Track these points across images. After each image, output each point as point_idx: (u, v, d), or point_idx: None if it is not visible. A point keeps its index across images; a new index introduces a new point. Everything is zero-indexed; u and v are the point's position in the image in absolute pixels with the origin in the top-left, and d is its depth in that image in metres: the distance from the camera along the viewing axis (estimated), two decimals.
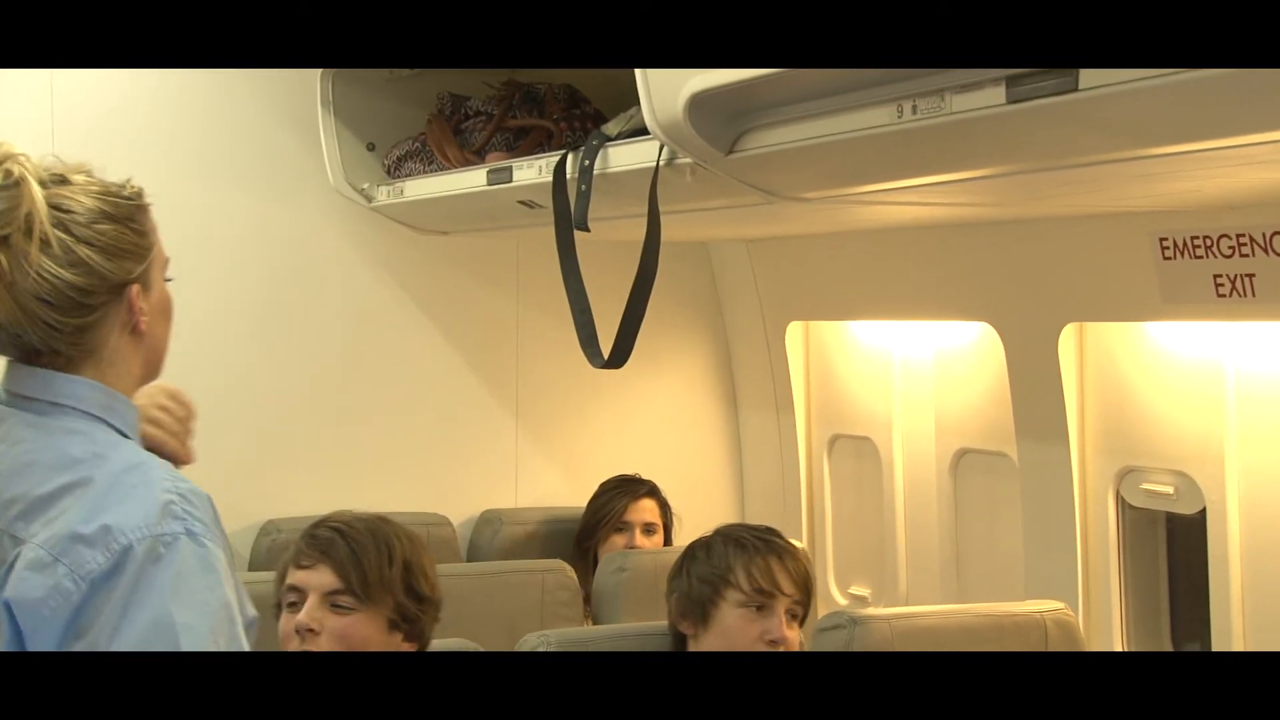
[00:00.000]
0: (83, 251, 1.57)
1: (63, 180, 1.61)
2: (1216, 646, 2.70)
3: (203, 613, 1.52)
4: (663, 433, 4.08)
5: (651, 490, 3.54)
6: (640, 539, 3.47)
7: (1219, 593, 2.69)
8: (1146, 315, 2.76)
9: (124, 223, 1.63)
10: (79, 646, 1.50)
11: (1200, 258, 2.53)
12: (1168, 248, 2.59)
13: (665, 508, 3.56)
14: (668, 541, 3.55)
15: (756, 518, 3.98)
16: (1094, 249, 2.79)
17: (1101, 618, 2.95)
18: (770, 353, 3.90)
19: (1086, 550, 2.96)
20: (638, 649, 2.33)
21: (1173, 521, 2.92)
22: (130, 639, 1.49)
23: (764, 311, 3.91)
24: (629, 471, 3.61)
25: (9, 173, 1.57)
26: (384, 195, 3.51)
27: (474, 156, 3.21)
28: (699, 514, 3.87)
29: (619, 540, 3.47)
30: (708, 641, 2.26)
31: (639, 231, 2.44)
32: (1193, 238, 2.54)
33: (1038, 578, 3.02)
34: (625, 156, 2.50)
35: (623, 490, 3.52)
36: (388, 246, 3.78)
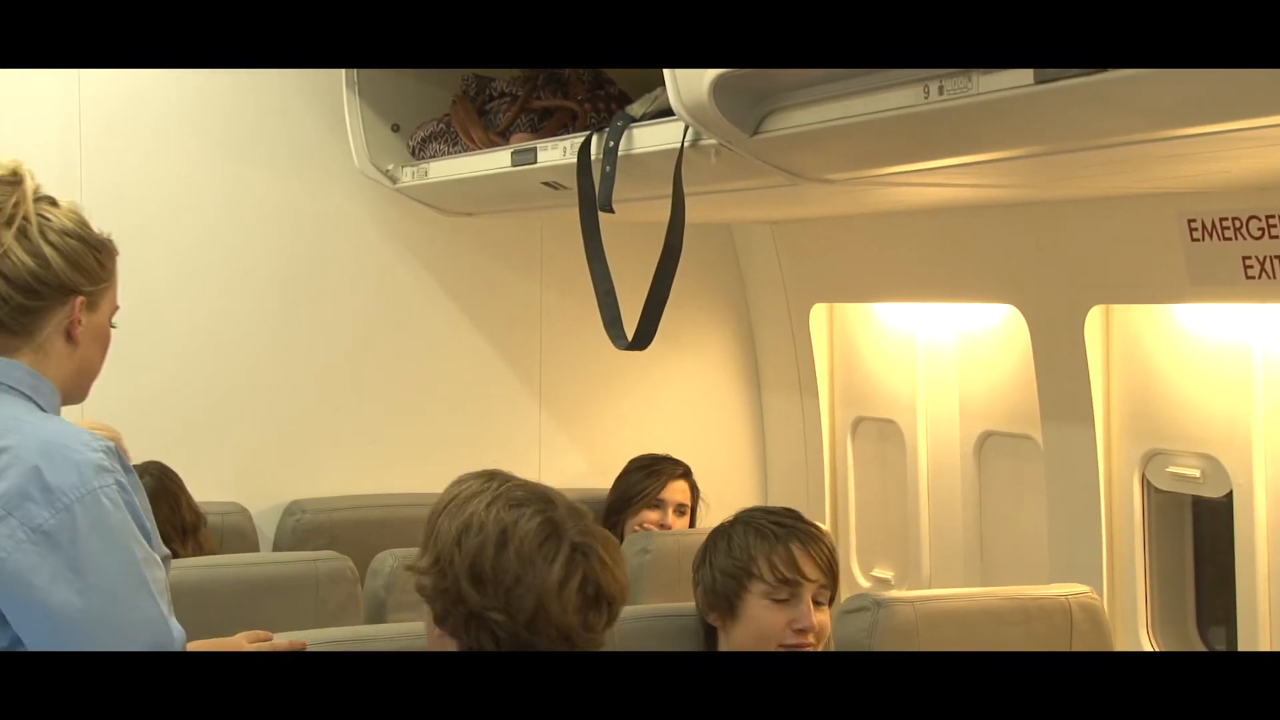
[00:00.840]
0: (48, 251, 1.90)
1: (54, 203, 1.95)
2: (1242, 631, 2.69)
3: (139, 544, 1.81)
4: (686, 415, 4.08)
5: (686, 472, 3.55)
6: (673, 518, 3.48)
7: (1245, 577, 2.67)
8: (1174, 297, 2.74)
9: (90, 248, 1.94)
10: (34, 591, 1.75)
11: (1229, 239, 2.51)
12: (1196, 229, 2.57)
13: (695, 491, 3.57)
14: (692, 524, 3.55)
15: (780, 500, 3.97)
16: (1121, 231, 2.77)
17: (1126, 602, 2.94)
18: (794, 335, 3.89)
19: (1111, 534, 2.95)
20: (662, 630, 2.33)
21: (1199, 505, 2.90)
22: (107, 579, 1.76)
23: (788, 294, 3.90)
24: (671, 456, 3.61)
25: (15, 173, 1.91)
26: (408, 176, 3.51)
27: (498, 138, 3.21)
28: (722, 497, 3.87)
29: (651, 516, 3.47)
30: (737, 633, 2.24)
31: (663, 213, 2.43)
32: (1221, 219, 2.52)
33: (1062, 561, 3.01)
34: (650, 138, 2.50)
35: (659, 469, 3.53)
36: (412, 228, 3.78)
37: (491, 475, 1.81)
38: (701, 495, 3.58)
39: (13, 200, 1.89)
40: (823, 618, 2.24)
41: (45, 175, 3.66)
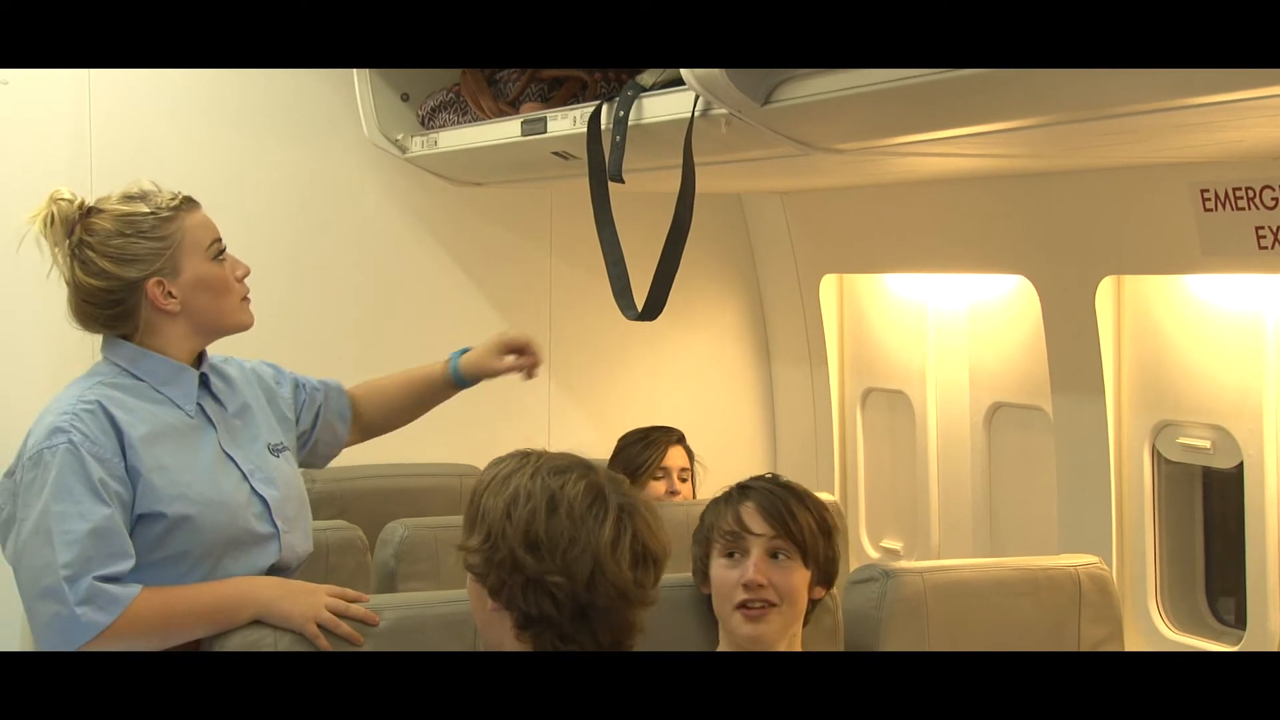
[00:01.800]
0: (104, 265, 2.17)
1: (94, 211, 2.20)
2: (1252, 602, 2.69)
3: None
4: (695, 386, 4.08)
5: (682, 438, 3.55)
6: (678, 484, 3.49)
7: (1255, 548, 2.67)
8: (1186, 268, 2.73)
9: (136, 235, 2.17)
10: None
11: (1242, 209, 2.50)
12: (1209, 199, 2.56)
13: (692, 456, 3.57)
14: (694, 494, 3.56)
15: (789, 471, 3.96)
16: (1133, 201, 2.76)
17: (1136, 573, 2.94)
18: (804, 306, 3.89)
19: (1121, 505, 2.95)
20: (669, 600, 2.33)
21: (1209, 476, 2.90)
22: (26, 529, 2.05)
23: (798, 264, 3.89)
24: (663, 424, 3.61)
25: (54, 201, 2.19)
26: (418, 146, 3.50)
27: (508, 107, 3.20)
28: (731, 467, 3.86)
29: (658, 487, 3.48)
30: (712, 597, 2.24)
31: (673, 183, 2.43)
32: (1234, 189, 2.50)
33: (1071, 532, 3.01)
34: (660, 107, 2.49)
35: (655, 439, 3.53)
36: (421, 198, 3.78)
37: (527, 453, 1.84)
38: (698, 459, 3.58)
39: (64, 232, 2.18)
40: (782, 575, 2.16)
41: (57, 147, 3.70)
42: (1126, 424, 2.94)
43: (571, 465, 1.80)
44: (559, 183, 3.34)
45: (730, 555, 2.20)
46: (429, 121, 3.50)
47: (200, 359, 2.27)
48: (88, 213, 2.19)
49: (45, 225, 2.19)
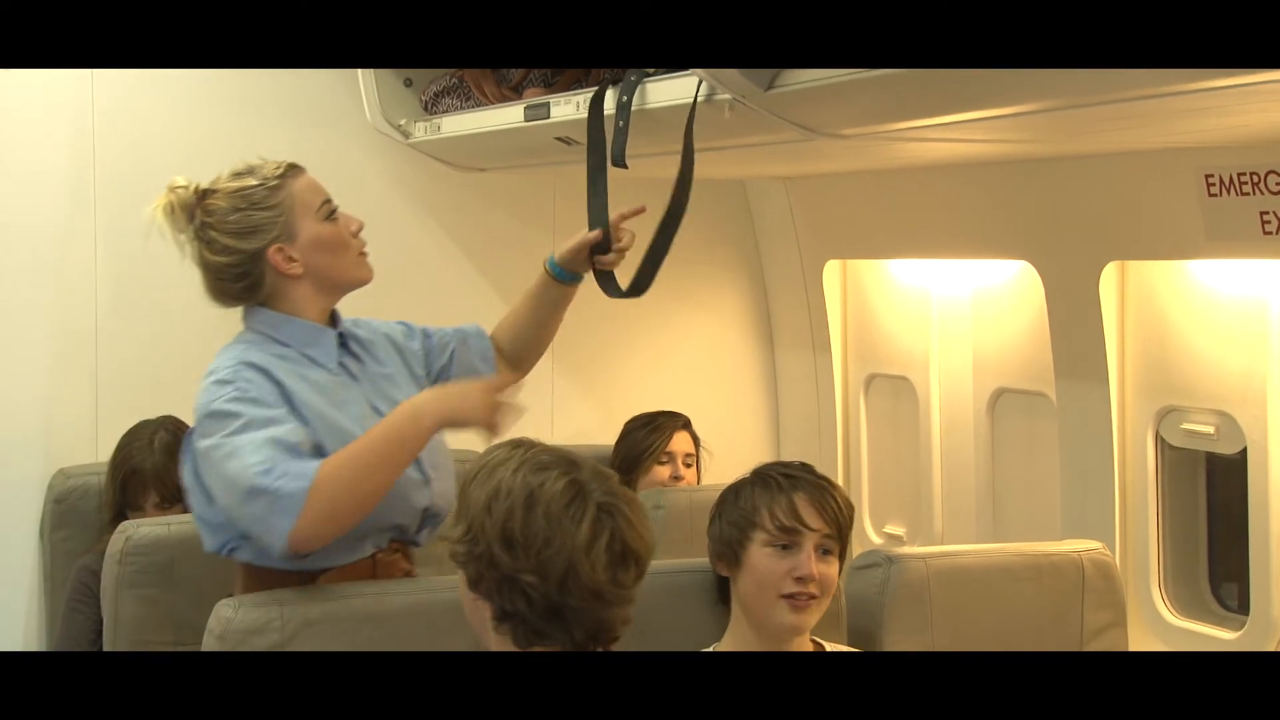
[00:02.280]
0: (226, 241, 2.29)
1: (209, 193, 2.32)
2: (1255, 588, 2.69)
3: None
4: (699, 371, 4.08)
5: (687, 423, 3.56)
6: (683, 469, 3.49)
7: (1259, 534, 2.67)
8: (1191, 253, 2.73)
9: (250, 208, 2.30)
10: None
11: (1247, 194, 2.50)
12: (1213, 184, 2.55)
13: (697, 441, 3.57)
14: (699, 479, 3.56)
15: (792, 457, 3.96)
16: (1137, 186, 2.75)
17: (1139, 558, 2.94)
18: (808, 291, 3.88)
19: (1124, 491, 2.95)
20: (675, 585, 2.34)
21: (1213, 462, 2.90)
22: (216, 463, 2.16)
23: (801, 250, 3.89)
24: (669, 410, 3.61)
25: (172, 189, 2.31)
26: (421, 131, 3.50)
27: (511, 93, 3.19)
28: (735, 453, 3.86)
29: (662, 472, 3.48)
30: (741, 581, 2.25)
31: (674, 168, 2.42)
32: (1239, 174, 2.50)
33: (1075, 518, 3.01)
34: (663, 92, 2.48)
35: (660, 423, 3.53)
36: (424, 183, 3.77)
37: (518, 443, 1.83)
38: (708, 448, 3.59)
39: (185, 218, 2.30)
40: (827, 569, 2.22)
41: (60, 134, 3.69)
42: (1130, 409, 2.93)
43: (555, 462, 1.78)
44: (562, 168, 3.33)
45: (781, 547, 2.21)
46: (432, 107, 3.49)
47: (335, 320, 2.38)
48: (203, 196, 2.31)
49: (168, 214, 2.30)
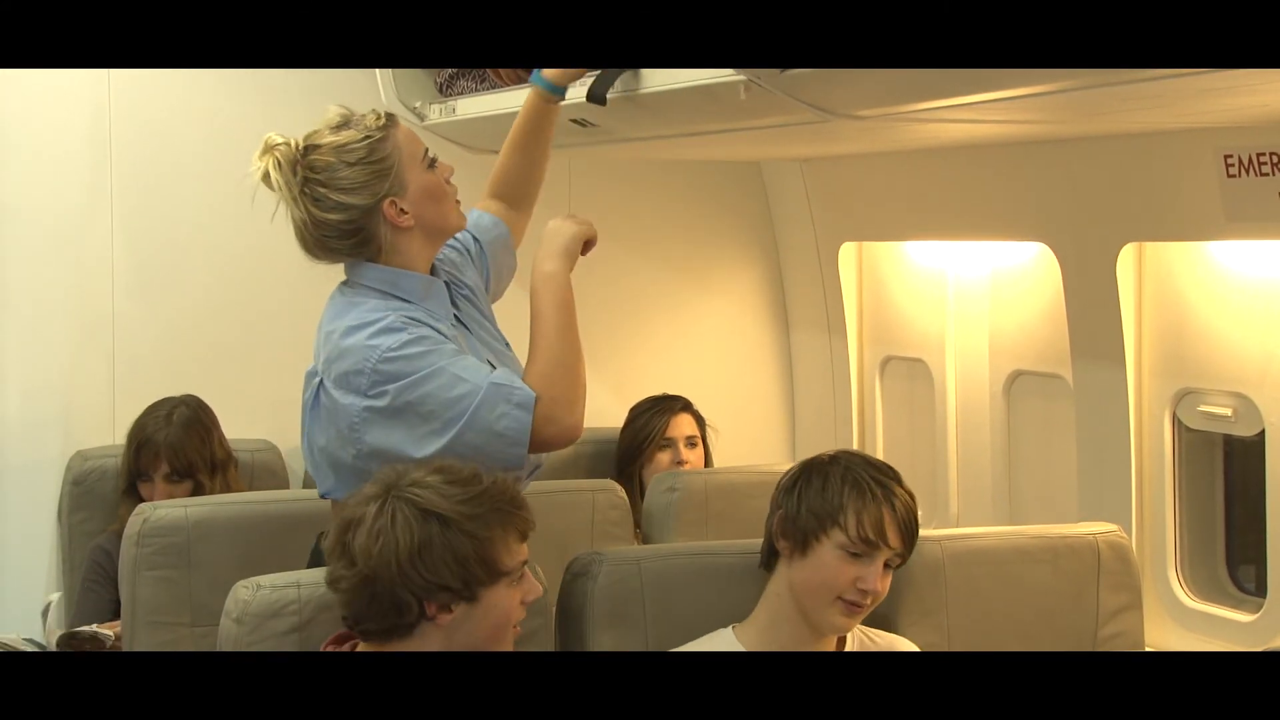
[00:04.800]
0: (335, 197, 2.22)
1: (311, 149, 2.24)
2: (1272, 570, 2.68)
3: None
4: (714, 354, 4.08)
5: (686, 405, 3.55)
6: (685, 453, 3.49)
7: (1276, 516, 2.66)
8: (1209, 234, 2.71)
9: (359, 164, 2.22)
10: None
11: (1266, 175, 2.48)
12: (1232, 165, 2.54)
13: (701, 421, 3.56)
14: (708, 458, 3.55)
15: (807, 439, 3.98)
16: (1155, 167, 2.74)
17: (1156, 541, 2.93)
18: (823, 273, 3.87)
19: (1141, 473, 2.94)
20: (691, 567, 2.34)
21: (1230, 444, 2.89)
22: (428, 391, 2.15)
23: (817, 232, 3.88)
24: (678, 392, 3.61)
25: (266, 147, 2.24)
26: (436, 114, 3.49)
27: (526, 74, 3.18)
28: (750, 436, 3.87)
29: (664, 458, 3.48)
30: (800, 571, 2.22)
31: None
32: (1259, 154, 2.48)
33: (1091, 500, 3.00)
34: (677, 73, 2.47)
35: (659, 409, 3.53)
36: None
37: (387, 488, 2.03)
38: (709, 423, 3.58)
39: (291, 174, 2.22)
40: (887, 583, 2.22)
41: (75, 117, 3.69)
42: (1147, 392, 2.92)
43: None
44: (578, 150, 3.33)
45: (854, 554, 2.20)
46: (447, 89, 3.49)
47: (434, 269, 2.36)
48: (305, 151, 2.24)
49: (277, 171, 2.22)
